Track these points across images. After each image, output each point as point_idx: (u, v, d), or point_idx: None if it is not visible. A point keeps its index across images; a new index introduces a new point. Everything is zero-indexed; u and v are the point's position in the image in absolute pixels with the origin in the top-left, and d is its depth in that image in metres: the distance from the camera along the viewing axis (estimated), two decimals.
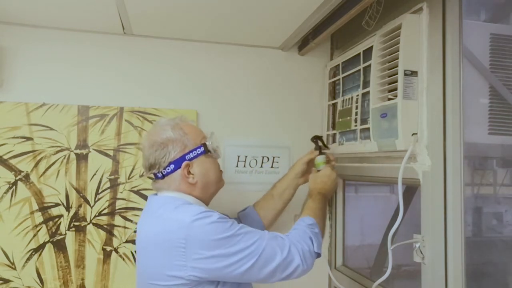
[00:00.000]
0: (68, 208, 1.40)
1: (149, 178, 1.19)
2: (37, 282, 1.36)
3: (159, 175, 1.09)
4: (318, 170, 1.36)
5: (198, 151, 1.11)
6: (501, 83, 1.23)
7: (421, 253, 1.05)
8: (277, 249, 1.00)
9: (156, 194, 1.14)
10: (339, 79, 1.50)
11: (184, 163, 1.08)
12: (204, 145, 1.13)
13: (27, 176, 1.37)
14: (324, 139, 1.61)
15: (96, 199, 1.42)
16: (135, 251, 1.33)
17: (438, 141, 1.02)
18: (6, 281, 1.34)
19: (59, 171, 1.39)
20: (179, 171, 1.08)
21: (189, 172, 1.09)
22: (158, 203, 1.09)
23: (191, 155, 1.10)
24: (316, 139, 1.40)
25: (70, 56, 1.44)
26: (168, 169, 1.08)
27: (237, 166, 1.57)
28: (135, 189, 1.45)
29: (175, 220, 0.99)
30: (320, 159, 1.37)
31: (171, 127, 1.11)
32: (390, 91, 1.14)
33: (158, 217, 1.04)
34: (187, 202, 1.06)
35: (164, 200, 1.09)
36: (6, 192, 1.35)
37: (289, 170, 1.45)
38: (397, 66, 1.09)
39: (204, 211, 0.99)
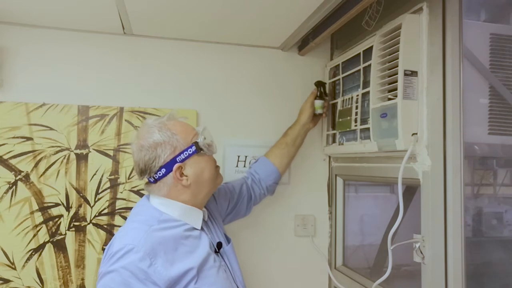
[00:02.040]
0: (68, 208, 1.40)
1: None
2: (37, 282, 1.36)
3: (151, 179, 1.05)
4: (316, 113, 1.48)
5: (190, 151, 1.04)
6: (501, 83, 1.23)
7: (421, 253, 1.05)
8: None
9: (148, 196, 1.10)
10: (339, 79, 1.50)
11: (175, 166, 1.02)
12: (196, 143, 1.06)
13: (27, 176, 1.37)
14: (324, 139, 1.62)
15: (96, 199, 1.42)
16: None
17: (438, 141, 1.02)
18: (6, 281, 1.34)
19: (59, 171, 1.39)
20: (171, 174, 1.03)
21: (182, 174, 1.04)
22: (135, 211, 1.08)
23: (182, 156, 1.04)
24: (319, 84, 1.49)
25: (70, 56, 1.44)
26: (160, 174, 1.03)
27: (237, 166, 1.57)
28: (135, 189, 1.45)
29: (111, 245, 0.96)
30: (317, 103, 1.47)
31: (158, 129, 1.04)
32: (390, 91, 1.14)
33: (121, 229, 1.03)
34: (157, 217, 1.01)
35: (140, 210, 1.07)
36: (6, 192, 1.35)
37: (298, 116, 1.50)
38: (397, 66, 1.09)
39: (129, 250, 0.91)
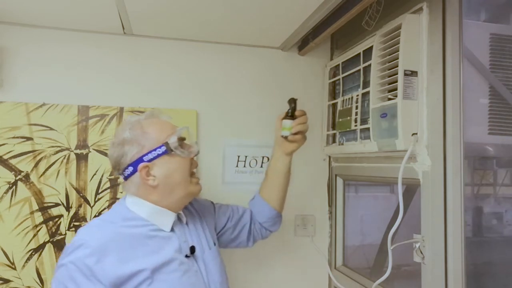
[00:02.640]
0: (68, 208, 1.40)
1: None
2: (37, 282, 1.36)
3: (122, 177, 1.04)
4: (282, 136, 1.22)
5: (159, 151, 1.00)
6: (501, 83, 1.23)
7: (421, 253, 1.05)
8: None
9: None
10: (339, 79, 1.50)
11: (140, 165, 0.99)
12: (166, 144, 1.01)
13: (27, 176, 1.37)
14: (324, 139, 1.61)
15: (96, 199, 1.42)
16: None
17: (438, 141, 1.02)
18: (6, 281, 1.34)
19: (59, 171, 1.39)
20: (137, 173, 1.00)
21: (148, 174, 1.00)
22: (110, 209, 1.09)
23: (150, 156, 1.00)
24: (290, 102, 1.23)
25: (70, 56, 1.44)
26: (127, 172, 1.01)
27: (237, 166, 1.57)
28: None
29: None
30: (284, 123, 1.21)
31: (130, 127, 1.02)
32: (390, 91, 1.14)
33: None
34: (122, 215, 1.01)
35: (113, 207, 1.08)
36: (6, 192, 1.35)
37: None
38: (397, 66, 1.09)
39: (79, 246, 0.92)
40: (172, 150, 1.01)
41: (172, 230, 1.05)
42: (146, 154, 1.00)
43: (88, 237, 0.95)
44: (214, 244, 1.16)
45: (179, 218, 1.09)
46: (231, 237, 1.28)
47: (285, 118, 1.21)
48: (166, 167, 1.01)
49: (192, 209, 1.19)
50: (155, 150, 1.00)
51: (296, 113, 1.21)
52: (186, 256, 1.04)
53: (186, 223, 1.11)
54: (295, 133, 1.20)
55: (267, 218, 1.28)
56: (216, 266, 1.11)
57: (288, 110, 1.22)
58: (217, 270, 1.11)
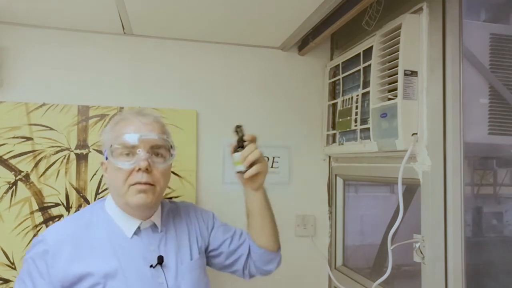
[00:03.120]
0: (68, 208, 1.40)
1: None
2: None
3: None
4: (238, 172, 1.04)
5: (107, 152, 0.97)
6: (501, 83, 1.23)
7: (421, 253, 1.05)
8: None
9: None
10: (339, 79, 1.50)
11: (100, 161, 1.02)
12: (110, 146, 0.95)
13: (27, 176, 1.37)
14: (324, 139, 1.60)
15: (96, 199, 1.42)
16: None
17: (438, 141, 1.02)
18: (6, 281, 1.34)
19: (59, 171, 1.39)
20: None
21: (105, 171, 1.00)
22: (86, 207, 1.10)
23: (105, 153, 0.99)
24: (237, 130, 1.05)
25: (70, 56, 1.44)
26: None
27: None
28: None
29: None
30: (235, 157, 1.03)
31: (115, 119, 1.02)
32: (390, 91, 1.14)
33: None
34: (92, 213, 1.01)
35: (89, 206, 1.09)
36: (6, 192, 1.35)
37: None
38: (397, 66, 1.09)
39: (39, 241, 0.94)
40: (106, 157, 0.98)
41: (137, 235, 1.00)
42: (105, 150, 0.99)
43: (48, 234, 0.96)
44: (199, 253, 1.09)
45: (154, 225, 1.04)
46: (224, 264, 1.16)
47: (235, 151, 1.03)
48: (110, 169, 0.98)
49: (183, 216, 1.13)
50: (105, 150, 0.99)
51: (245, 139, 1.03)
52: (151, 266, 0.97)
53: (165, 232, 1.05)
54: (249, 166, 1.02)
55: (258, 255, 1.13)
56: (192, 280, 1.03)
57: (237, 140, 1.04)
58: (190, 285, 1.02)
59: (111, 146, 0.95)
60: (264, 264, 1.14)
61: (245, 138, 1.03)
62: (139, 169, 0.93)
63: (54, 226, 1.00)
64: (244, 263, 1.15)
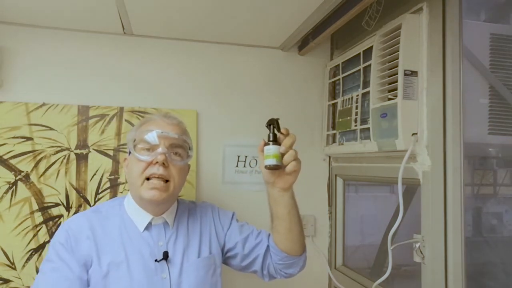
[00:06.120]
0: (68, 208, 1.40)
1: None
2: None
3: None
4: (268, 166, 0.96)
5: (130, 147, 1.05)
6: (501, 83, 1.23)
7: (421, 253, 1.05)
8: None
9: None
10: (339, 79, 1.50)
11: (124, 157, 1.11)
12: (133, 141, 1.04)
13: (27, 176, 1.37)
14: (324, 139, 1.60)
15: (96, 199, 1.42)
16: None
17: (438, 141, 1.02)
18: (6, 281, 1.34)
19: (59, 171, 1.39)
20: None
21: (126, 166, 1.09)
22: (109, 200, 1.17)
23: (128, 150, 1.08)
24: (270, 123, 1.00)
25: (70, 56, 1.44)
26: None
27: (237, 166, 1.57)
28: None
29: None
30: (269, 150, 0.96)
31: (142, 120, 1.12)
32: (390, 91, 1.14)
33: None
34: (111, 206, 1.09)
35: (111, 199, 1.16)
36: (6, 192, 1.35)
37: None
38: (397, 66, 1.09)
39: (61, 228, 1.03)
40: (129, 152, 1.06)
41: (148, 231, 1.05)
42: (128, 147, 1.06)
43: (71, 221, 1.04)
44: (210, 253, 1.10)
45: (166, 222, 1.07)
46: (241, 265, 1.16)
47: (268, 144, 0.97)
48: (131, 162, 1.05)
49: (199, 216, 1.15)
50: (129, 146, 1.06)
51: (282, 131, 0.97)
52: (156, 260, 1.00)
53: (176, 229, 1.08)
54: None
55: (279, 259, 1.10)
56: (196, 278, 1.04)
57: (269, 134, 0.97)
58: (193, 282, 1.03)
59: (134, 140, 1.04)
60: (285, 267, 1.11)
61: (282, 131, 0.97)
62: (157, 162, 0.99)
63: (77, 215, 1.07)
64: (261, 264, 1.13)
